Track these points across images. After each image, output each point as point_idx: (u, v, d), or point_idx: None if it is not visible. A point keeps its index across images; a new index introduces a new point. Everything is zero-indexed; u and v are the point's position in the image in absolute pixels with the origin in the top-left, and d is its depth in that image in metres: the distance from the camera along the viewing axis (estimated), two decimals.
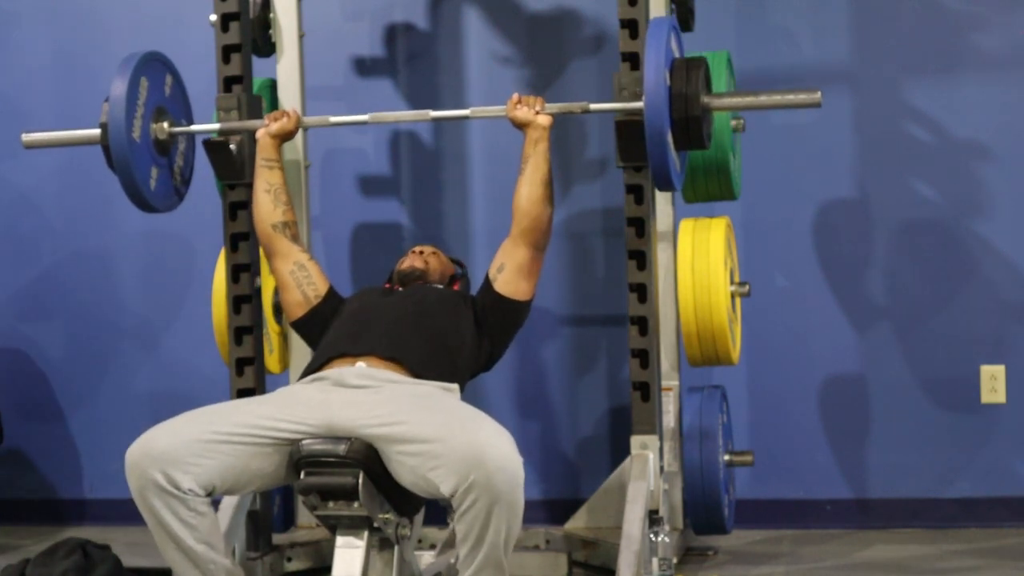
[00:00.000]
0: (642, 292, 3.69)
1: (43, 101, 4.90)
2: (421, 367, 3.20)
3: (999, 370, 4.34)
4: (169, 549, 2.97)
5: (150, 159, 3.64)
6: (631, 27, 3.62)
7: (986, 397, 4.35)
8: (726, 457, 4.04)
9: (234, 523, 3.64)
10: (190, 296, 4.71)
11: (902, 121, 4.40)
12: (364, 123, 3.68)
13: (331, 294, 3.51)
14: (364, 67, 4.67)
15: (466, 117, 3.68)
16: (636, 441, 3.70)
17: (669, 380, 3.98)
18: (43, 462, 4.94)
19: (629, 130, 3.51)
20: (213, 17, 3.84)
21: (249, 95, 3.82)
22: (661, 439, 3.80)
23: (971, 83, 4.36)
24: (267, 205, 3.53)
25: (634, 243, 3.67)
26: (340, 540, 3.02)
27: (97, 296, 4.87)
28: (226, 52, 3.82)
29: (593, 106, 3.51)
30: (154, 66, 3.68)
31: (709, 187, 3.98)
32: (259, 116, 3.85)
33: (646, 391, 3.69)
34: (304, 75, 4.11)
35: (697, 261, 3.83)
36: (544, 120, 3.44)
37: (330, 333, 3.38)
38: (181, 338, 4.80)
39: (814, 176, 4.44)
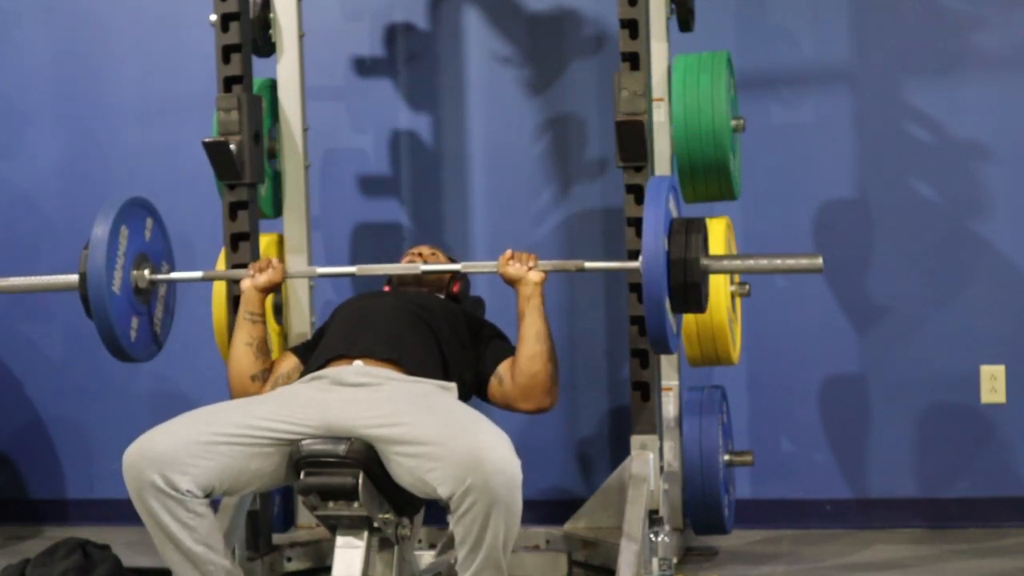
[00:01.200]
0: (641, 292, 3.68)
1: (43, 101, 4.90)
2: (418, 368, 3.20)
3: (999, 370, 4.34)
4: (168, 551, 2.97)
5: (130, 309, 3.51)
6: (631, 27, 3.62)
7: (986, 397, 4.35)
8: (726, 457, 4.04)
9: (234, 523, 3.64)
10: (190, 296, 4.71)
11: (902, 121, 4.40)
12: (352, 275, 3.59)
13: (302, 355, 3.46)
14: (364, 67, 4.67)
15: (457, 271, 3.56)
16: (636, 441, 3.70)
17: (669, 380, 3.98)
18: (43, 462, 4.94)
19: (629, 130, 3.51)
20: (213, 17, 3.84)
21: (249, 95, 3.82)
22: (661, 439, 3.81)
23: (971, 83, 4.36)
24: (247, 359, 3.43)
25: (634, 243, 3.67)
26: (340, 540, 3.02)
27: None
28: (226, 52, 3.82)
29: (588, 264, 3.42)
30: (135, 212, 3.53)
31: (709, 187, 3.98)
32: (259, 116, 3.86)
33: (646, 391, 3.69)
34: (304, 75, 4.11)
35: None
36: (536, 276, 3.35)
37: (327, 337, 3.38)
38: (181, 338, 4.79)
39: (814, 176, 4.44)
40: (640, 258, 3.13)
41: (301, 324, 4.07)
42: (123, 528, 4.35)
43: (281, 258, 4.09)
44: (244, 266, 3.82)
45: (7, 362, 4.96)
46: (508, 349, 3.41)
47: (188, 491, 2.92)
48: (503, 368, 3.37)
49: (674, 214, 3.30)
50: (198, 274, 3.63)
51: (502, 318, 3.62)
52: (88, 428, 4.88)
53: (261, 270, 3.49)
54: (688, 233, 3.21)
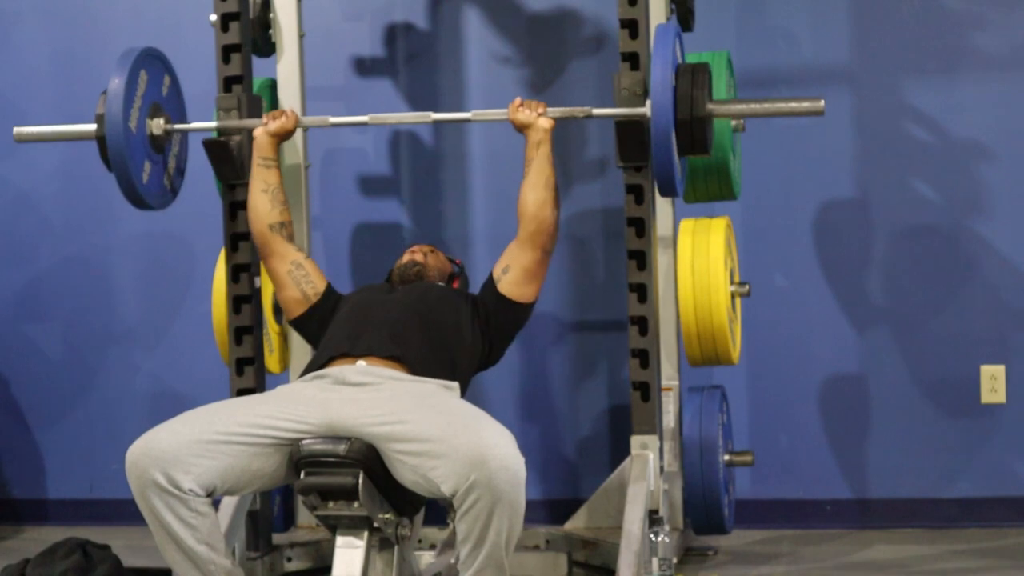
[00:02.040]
0: (642, 292, 3.69)
1: (43, 101, 4.89)
2: (421, 366, 3.20)
3: (999, 370, 4.34)
4: (170, 549, 2.97)
5: (144, 153, 3.62)
6: (631, 27, 3.62)
7: (986, 397, 4.35)
8: (726, 457, 4.04)
9: (234, 523, 3.64)
10: (190, 296, 4.71)
11: (902, 121, 4.40)
12: (364, 124, 3.67)
13: (329, 291, 3.51)
14: (364, 67, 4.67)
15: (467, 120, 3.67)
16: (636, 441, 3.70)
17: (669, 380, 3.98)
18: (43, 462, 4.94)
19: (629, 131, 3.51)
20: (213, 17, 3.84)
21: (249, 95, 3.82)
22: (661, 439, 3.81)
23: (971, 83, 4.36)
24: (264, 205, 3.52)
25: (634, 243, 3.67)
26: (340, 540, 3.02)
27: (97, 296, 4.86)
28: (226, 52, 3.82)
29: (596, 111, 3.51)
30: (153, 63, 3.68)
31: (709, 187, 3.98)
32: (259, 116, 3.85)
33: (646, 391, 3.69)
34: (304, 75, 4.11)
35: (697, 261, 3.82)
36: (545, 123, 3.44)
37: (329, 332, 3.37)
38: (181, 338, 4.80)
39: (814, 176, 4.44)
40: (647, 101, 3.20)
41: None
42: (123, 528, 4.35)
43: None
44: (245, 267, 3.82)
45: (6, 361, 4.96)
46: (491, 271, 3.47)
47: (190, 490, 2.92)
48: (497, 267, 3.43)
49: (680, 60, 3.40)
50: (212, 124, 3.73)
51: None
52: (88, 428, 4.88)
53: (275, 118, 3.59)
54: (695, 74, 3.36)
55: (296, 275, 3.48)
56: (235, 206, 3.80)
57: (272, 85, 4.12)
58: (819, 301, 4.43)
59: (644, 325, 3.69)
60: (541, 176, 3.39)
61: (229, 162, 3.74)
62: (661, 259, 3.94)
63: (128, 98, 3.53)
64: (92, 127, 3.61)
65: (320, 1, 4.38)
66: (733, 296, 3.96)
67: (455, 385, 3.21)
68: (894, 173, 4.40)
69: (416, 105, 4.60)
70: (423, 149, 4.66)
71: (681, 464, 3.97)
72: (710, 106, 3.36)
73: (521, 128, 3.47)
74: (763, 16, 4.47)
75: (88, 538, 3.74)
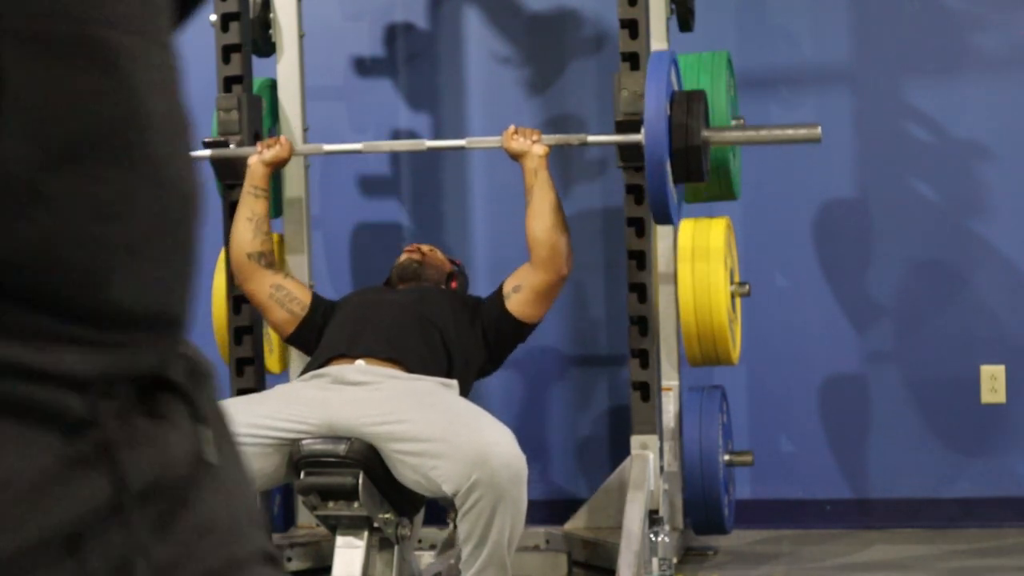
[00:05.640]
0: (642, 292, 3.69)
1: None
2: (419, 367, 3.20)
3: (999, 370, 4.34)
4: None
5: None
6: (631, 27, 3.62)
7: (986, 397, 4.35)
8: (726, 457, 4.04)
9: None
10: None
11: (902, 121, 4.40)
12: (358, 151, 3.64)
13: (316, 301, 3.48)
14: (364, 67, 4.67)
15: (462, 147, 3.62)
16: (636, 441, 3.70)
17: (669, 380, 3.98)
18: None
19: (629, 130, 3.51)
20: (213, 17, 3.84)
21: (249, 95, 3.82)
22: (661, 439, 3.81)
23: (971, 83, 4.36)
24: (247, 234, 3.47)
25: (634, 243, 3.67)
26: (340, 540, 3.02)
27: None
28: (226, 52, 3.82)
29: (591, 138, 3.48)
30: None
31: (709, 187, 3.98)
32: (259, 116, 3.86)
33: (646, 391, 3.69)
34: (304, 75, 4.11)
35: (697, 261, 3.82)
36: (540, 150, 3.40)
37: (327, 335, 3.37)
38: None
39: (814, 176, 4.45)
40: (642, 128, 3.16)
41: None
42: None
43: (281, 259, 4.09)
44: None
45: None
46: (501, 283, 3.44)
47: None
48: (509, 283, 3.40)
49: (675, 88, 3.33)
50: (205, 153, 3.68)
51: None
52: None
53: (269, 147, 3.55)
54: (690, 102, 3.29)
55: (278, 296, 3.45)
56: (235, 206, 3.80)
57: (272, 85, 4.12)
58: (819, 301, 4.43)
59: (644, 325, 3.69)
60: (544, 202, 3.35)
61: (229, 162, 3.74)
62: (661, 259, 3.94)
63: None
64: None
65: (320, 1, 4.38)
66: (733, 296, 3.96)
67: (454, 383, 3.21)
68: (894, 173, 4.40)
69: (416, 105, 4.60)
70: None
71: (681, 464, 3.97)
72: (705, 134, 3.29)
73: (516, 157, 3.42)
74: (763, 16, 4.47)
75: None
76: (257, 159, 3.54)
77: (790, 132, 3.40)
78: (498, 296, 3.41)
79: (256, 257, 3.46)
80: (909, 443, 4.39)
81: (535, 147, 3.41)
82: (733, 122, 3.94)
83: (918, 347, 4.39)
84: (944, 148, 4.38)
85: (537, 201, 3.36)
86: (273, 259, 3.50)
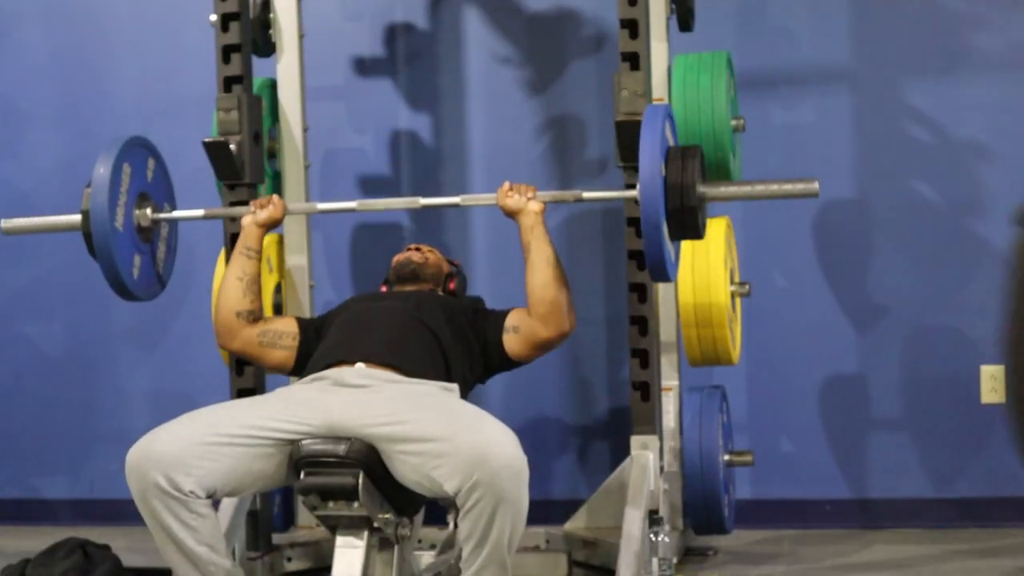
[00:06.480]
0: (642, 292, 3.69)
1: (43, 101, 4.90)
2: (418, 372, 3.19)
3: (999, 370, 4.34)
4: (170, 551, 2.97)
5: (133, 247, 3.50)
6: (631, 27, 3.62)
7: (986, 397, 4.35)
8: (726, 457, 4.04)
9: (234, 523, 3.64)
10: (190, 296, 4.71)
11: (902, 121, 4.40)
12: (352, 210, 3.60)
13: (304, 325, 3.47)
14: (364, 67, 4.67)
15: (456, 204, 3.53)
16: (636, 441, 3.70)
17: (669, 380, 3.98)
18: (43, 462, 4.94)
19: (629, 130, 3.51)
20: (213, 17, 3.84)
21: (249, 95, 3.82)
22: (661, 439, 3.81)
23: (971, 83, 4.36)
24: (236, 293, 3.42)
25: (634, 243, 3.67)
26: (340, 540, 3.02)
27: (96, 296, 4.85)
28: (226, 52, 3.82)
29: (586, 194, 3.44)
30: (136, 151, 3.54)
31: None
32: (259, 116, 3.86)
33: (646, 391, 3.69)
34: (304, 75, 4.11)
35: (697, 261, 3.82)
36: (536, 206, 3.36)
37: (326, 341, 3.36)
38: (181, 338, 4.80)
39: (814, 176, 4.43)
40: (638, 186, 3.14)
41: None
42: (123, 528, 4.35)
43: (281, 259, 4.09)
44: None
45: (7, 361, 4.96)
46: (508, 311, 3.42)
47: (191, 492, 2.92)
48: (511, 319, 3.38)
49: (670, 143, 3.31)
50: (199, 212, 3.63)
51: None
52: (88, 428, 4.88)
53: (263, 206, 3.50)
54: (684, 159, 3.22)
55: (267, 340, 3.43)
56: (235, 206, 3.80)
57: (272, 85, 4.12)
58: (819, 301, 4.43)
59: (644, 325, 3.69)
60: (541, 256, 3.32)
61: (229, 162, 3.74)
62: None
63: (113, 194, 3.39)
64: (78, 219, 3.50)
65: (320, 1, 4.38)
66: (733, 296, 3.96)
67: (454, 387, 3.21)
68: (894, 173, 4.40)
69: (416, 105, 4.60)
70: (423, 149, 4.66)
71: (681, 464, 3.97)
72: (701, 190, 3.23)
73: (511, 214, 3.39)
74: (763, 16, 4.47)
75: (88, 538, 3.74)
76: (251, 219, 3.49)
77: (787, 187, 3.33)
78: (500, 323, 3.39)
79: (244, 315, 3.42)
80: (909, 443, 4.40)
81: (531, 204, 3.36)
82: (733, 122, 3.94)
83: (918, 347, 4.39)
84: (944, 148, 4.38)
85: (534, 256, 3.32)
86: (260, 315, 3.45)
